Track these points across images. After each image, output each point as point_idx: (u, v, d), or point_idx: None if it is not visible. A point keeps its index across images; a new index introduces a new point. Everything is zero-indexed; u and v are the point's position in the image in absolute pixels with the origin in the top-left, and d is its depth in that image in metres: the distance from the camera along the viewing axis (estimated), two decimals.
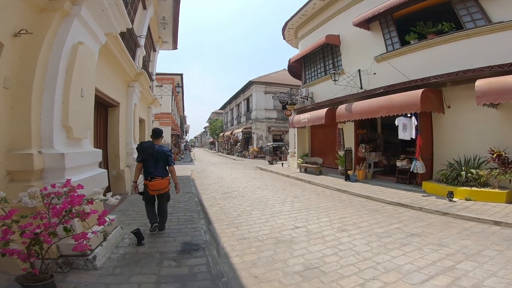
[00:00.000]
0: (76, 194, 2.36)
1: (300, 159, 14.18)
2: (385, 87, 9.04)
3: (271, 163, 17.94)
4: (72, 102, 3.10)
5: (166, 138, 22.35)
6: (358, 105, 9.50)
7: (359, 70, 10.82)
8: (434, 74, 7.77)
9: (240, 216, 5.81)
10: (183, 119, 41.50)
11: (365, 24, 10.19)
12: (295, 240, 4.40)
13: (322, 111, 11.39)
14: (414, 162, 7.71)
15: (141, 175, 4.47)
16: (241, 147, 28.90)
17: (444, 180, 7.28)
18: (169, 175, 4.37)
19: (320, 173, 11.98)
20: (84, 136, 3.47)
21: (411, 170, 7.82)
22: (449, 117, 7.88)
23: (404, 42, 9.12)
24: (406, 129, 7.58)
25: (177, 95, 29.69)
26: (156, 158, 4.17)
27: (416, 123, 7.35)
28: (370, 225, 5.12)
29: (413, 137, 7.47)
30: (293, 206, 6.70)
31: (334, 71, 10.85)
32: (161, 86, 21.93)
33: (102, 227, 2.62)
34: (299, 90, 14.44)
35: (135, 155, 4.66)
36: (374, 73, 10.11)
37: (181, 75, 22.15)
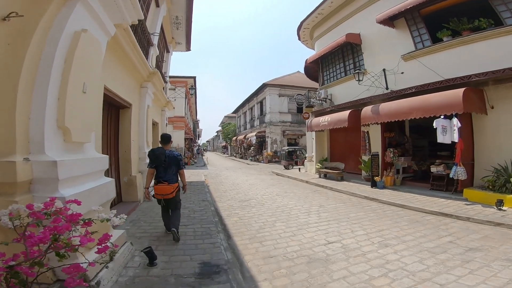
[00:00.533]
0: (67, 214, 1.80)
1: (318, 164, 13.46)
2: (417, 87, 8.27)
3: (287, 168, 17.26)
4: (71, 99, 2.56)
5: (180, 142, 22.06)
6: (386, 106, 8.75)
7: (384, 70, 10.14)
8: (475, 72, 7.03)
9: (263, 229, 5.18)
10: (196, 123, 41.38)
11: (389, 21, 9.57)
12: (331, 259, 3.77)
13: (344, 114, 10.67)
14: (454, 167, 6.90)
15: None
16: (254, 151, 28.32)
17: (490, 187, 6.48)
18: (178, 181, 4.37)
19: (342, 179, 11.23)
20: (86, 140, 2.94)
21: (451, 176, 7.01)
22: (492, 118, 7.09)
23: (435, 40, 8.46)
24: (446, 131, 6.79)
25: (190, 99, 29.53)
26: (168, 164, 4.21)
27: (459, 125, 6.56)
28: (416, 239, 4.47)
29: (455, 140, 6.67)
30: (320, 216, 6.02)
31: (358, 70, 10.18)
32: (174, 89, 21.72)
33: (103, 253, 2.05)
34: (317, 92, 13.77)
35: (148, 160, 4.57)
36: (402, 72, 9.42)
37: (194, 77, 21.85)
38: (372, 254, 3.89)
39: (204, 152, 65.45)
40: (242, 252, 4.10)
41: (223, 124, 54.33)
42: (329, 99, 13.46)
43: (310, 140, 15.36)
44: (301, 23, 15.38)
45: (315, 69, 15.98)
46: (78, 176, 2.58)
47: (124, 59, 5.76)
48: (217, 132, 74.62)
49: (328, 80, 13.94)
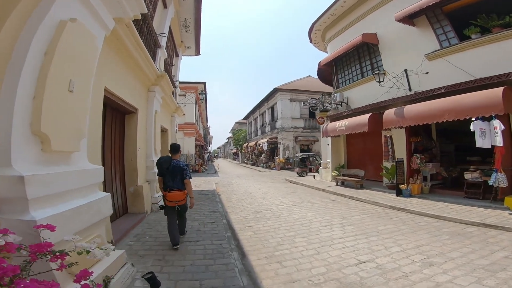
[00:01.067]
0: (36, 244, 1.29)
1: (335, 171, 12.75)
2: (447, 87, 7.57)
3: (300, 175, 16.58)
4: (51, 98, 2.06)
5: (190, 149, 21.74)
6: (412, 108, 8.06)
7: (405, 70, 9.53)
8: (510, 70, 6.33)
9: (281, 245, 4.58)
10: (206, 129, 41.24)
11: (408, 19, 9.05)
12: (367, 283, 3.18)
13: (364, 118, 10.01)
14: (494, 174, 6.15)
15: None
16: (266, 158, 27.73)
17: None
18: (185, 188, 4.38)
19: (362, 187, 10.51)
20: (74, 149, 2.43)
21: (490, 183, 6.24)
22: None
23: (461, 37, 7.86)
24: (485, 135, 6.06)
25: (201, 105, 29.36)
26: (173, 172, 4.25)
27: (502, 127, 5.84)
28: (465, 255, 3.83)
29: (497, 144, 5.93)
30: (344, 230, 5.38)
31: (378, 71, 9.53)
32: (185, 95, 21.50)
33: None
34: (332, 96, 13.16)
35: (155, 169, 4.79)
36: (426, 73, 8.80)
37: (204, 83, 21.61)
38: (416, 276, 3.27)
39: (215, 158, 65.41)
40: (260, 275, 3.52)
41: (233, 131, 54.09)
42: (345, 103, 12.84)
43: (325, 146, 14.69)
44: (313, 24, 14.94)
45: (329, 72, 15.43)
46: (59, 193, 2.08)
47: (128, 59, 5.36)
48: (227, 138, 74.58)
49: (343, 83, 13.34)
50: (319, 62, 14.44)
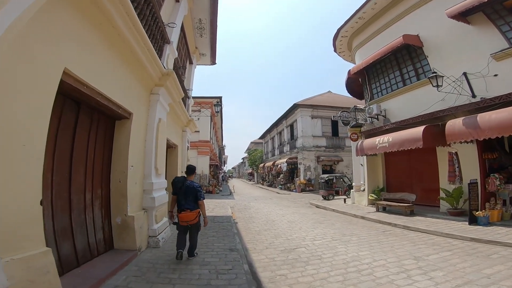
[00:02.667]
0: None
1: (373, 195, 10.78)
2: None
3: (326, 198, 14.55)
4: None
5: (204, 169, 20.23)
6: (491, 117, 6.19)
7: (464, 73, 7.85)
8: None
9: None
10: (221, 149, 39.95)
11: (461, 17, 7.68)
12: None
13: (416, 131, 8.21)
14: None
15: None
16: (284, 179, 25.77)
17: None
18: (198, 207, 4.41)
19: (412, 214, 8.52)
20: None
21: None
22: None
23: None
24: None
25: (216, 123, 28.22)
26: (186, 193, 4.35)
27: None
28: None
29: None
30: (434, 279, 3.54)
31: (435, 74, 7.91)
32: (199, 110, 20.39)
33: None
34: (367, 108, 11.44)
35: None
36: (495, 75, 7.15)
37: (220, 98, 20.42)
38: None
39: (230, 178, 63.67)
40: None
41: (249, 151, 52.60)
42: (382, 116, 11.07)
43: (357, 167, 12.78)
44: (338, 30, 13.61)
45: (358, 83, 13.87)
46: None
47: (118, 43, 3.95)
48: (242, 159, 73.15)
49: (379, 94, 11.67)
50: (349, 71, 12.93)
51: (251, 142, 54.60)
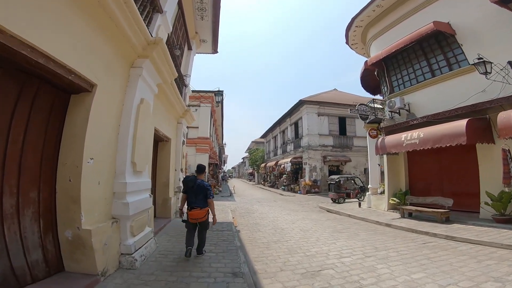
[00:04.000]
0: None
1: (394, 199, 9.43)
2: None
3: (337, 201, 13.17)
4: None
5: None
6: None
7: (509, 62, 6.58)
8: None
9: None
10: (221, 148, 38.54)
11: (502, 3, 6.55)
12: None
13: (457, 126, 6.95)
14: None
15: None
16: (288, 179, 24.39)
17: None
18: (207, 205, 4.48)
19: (448, 220, 7.22)
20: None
21: None
22: None
23: None
24: None
25: (216, 120, 26.87)
26: (196, 191, 4.42)
27: None
28: None
29: None
30: None
31: (481, 59, 6.63)
32: (199, 105, 19.02)
33: None
34: (387, 102, 10.09)
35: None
36: None
37: (221, 92, 19.04)
38: None
39: (229, 178, 62.25)
40: None
41: (250, 150, 51.20)
42: (406, 110, 9.74)
43: (374, 167, 11.45)
44: (352, 20, 12.37)
45: (374, 77, 12.59)
46: None
47: None
48: (243, 158, 71.77)
49: (401, 86, 10.40)
50: (365, 62, 11.60)
51: (252, 141, 53.19)
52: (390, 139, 9.17)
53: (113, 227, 3.55)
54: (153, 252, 4.67)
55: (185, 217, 4.52)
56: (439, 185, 9.01)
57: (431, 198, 8.18)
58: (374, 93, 14.49)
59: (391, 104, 9.93)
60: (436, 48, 9.01)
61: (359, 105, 10.80)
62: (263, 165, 35.23)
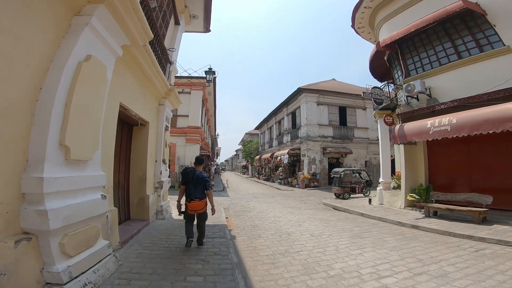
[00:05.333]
0: None
1: (413, 195, 8.18)
2: None
3: (341, 197, 11.88)
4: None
5: (193, 160, 17.33)
6: None
7: None
8: None
9: None
10: (214, 140, 36.91)
11: None
12: None
13: (502, 109, 5.67)
14: None
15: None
16: (284, 172, 23.06)
17: None
18: (206, 197, 4.54)
19: (485, 220, 5.99)
20: None
21: None
22: None
23: None
24: None
25: (208, 111, 25.24)
26: (196, 182, 4.48)
27: None
28: None
29: None
30: None
31: None
32: (190, 93, 17.43)
33: None
34: (405, 86, 8.79)
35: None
36: None
37: (213, 71, 17.38)
38: None
39: (222, 171, 60.77)
40: None
41: (243, 142, 49.70)
42: (427, 95, 8.46)
43: (386, 159, 10.19)
44: (360, 1, 11.08)
45: (383, 62, 11.37)
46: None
47: None
48: (236, 151, 70.28)
49: (419, 69, 9.15)
50: (377, 44, 10.21)
51: (246, 133, 51.64)
52: (411, 126, 7.85)
53: (19, 247, 2.09)
54: (110, 275, 3.23)
55: (183, 209, 4.56)
56: (467, 179, 7.78)
57: (463, 195, 6.93)
58: (381, 80, 13.25)
59: (409, 88, 8.63)
60: (463, 29, 8.00)
61: (372, 88, 9.41)
62: (257, 157, 33.83)
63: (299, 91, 20.31)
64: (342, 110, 21.19)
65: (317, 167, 19.31)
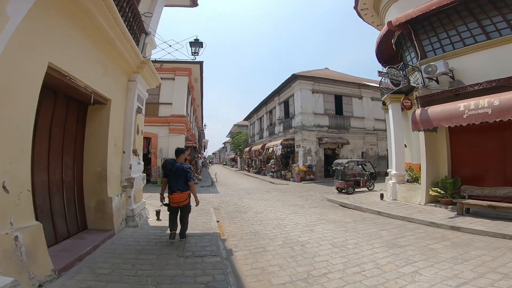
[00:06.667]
0: None
1: (437, 189, 7.00)
2: None
3: (345, 191, 10.66)
4: None
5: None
6: None
7: None
8: None
9: None
10: (201, 131, 35.05)
11: None
12: None
13: None
14: None
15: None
16: (276, 165, 21.73)
17: None
18: (189, 189, 4.41)
19: None
20: None
21: None
22: None
23: None
24: None
25: (195, 100, 23.46)
26: (176, 174, 4.34)
27: None
28: None
29: None
30: None
31: None
32: (173, 79, 15.66)
33: None
34: (424, 67, 7.59)
35: None
36: None
37: (200, 63, 15.71)
38: None
39: (210, 164, 58.96)
40: None
41: (232, 134, 48.00)
42: (450, 76, 7.26)
43: (399, 148, 8.93)
44: None
45: (388, 45, 10.21)
46: None
47: None
48: (223, 143, 68.45)
49: (437, 50, 8.05)
50: (389, 23, 8.87)
51: (235, 125, 49.85)
52: (438, 109, 6.64)
53: None
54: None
55: (166, 201, 4.40)
56: (501, 171, 6.67)
57: (505, 189, 5.76)
58: (386, 63, 12.09)
59: (430, 69, 7.44)
60: (491, 9, 6.94)
61: (388, 67, 8.09)
62: (247, 149, 32.33)
63: (293, 78, 18.84)
64: (338, 99, 19.97)
65: (312, 159, 18.07)
